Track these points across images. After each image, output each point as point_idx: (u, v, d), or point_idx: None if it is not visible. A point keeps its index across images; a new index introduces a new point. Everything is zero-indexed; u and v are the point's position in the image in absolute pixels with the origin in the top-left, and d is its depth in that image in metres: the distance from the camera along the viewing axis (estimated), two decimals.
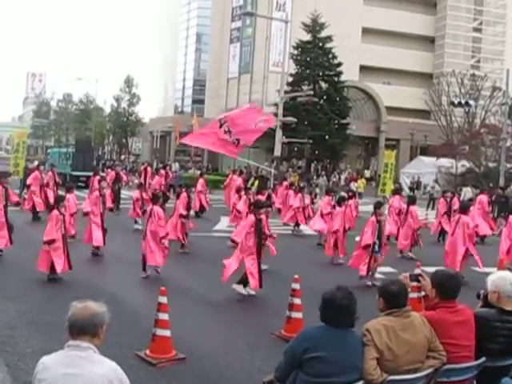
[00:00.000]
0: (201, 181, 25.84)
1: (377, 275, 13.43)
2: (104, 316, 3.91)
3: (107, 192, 17.26)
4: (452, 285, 5.37)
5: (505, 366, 5.26)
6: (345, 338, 4.76)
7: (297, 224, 22.27)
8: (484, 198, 22.83)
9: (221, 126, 17.32)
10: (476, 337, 5.27)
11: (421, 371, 4.94)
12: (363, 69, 66.89)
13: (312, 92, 43.26)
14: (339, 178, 44.77)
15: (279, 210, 26.80)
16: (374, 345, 4.81)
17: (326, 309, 4.81)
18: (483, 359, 5.18)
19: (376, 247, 13.28)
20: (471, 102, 43.63)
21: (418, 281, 5.65)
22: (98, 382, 3.67)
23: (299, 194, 22.88)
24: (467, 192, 31.01)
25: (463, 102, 40.72)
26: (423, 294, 5.71)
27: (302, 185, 27.36)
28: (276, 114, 35.66)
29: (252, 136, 17.98)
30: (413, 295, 8.28)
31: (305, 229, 21.97)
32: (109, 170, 29.18)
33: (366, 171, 51.00)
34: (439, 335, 5.09)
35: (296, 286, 8.98)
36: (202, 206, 25.12)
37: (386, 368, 4.79)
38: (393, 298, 5.03)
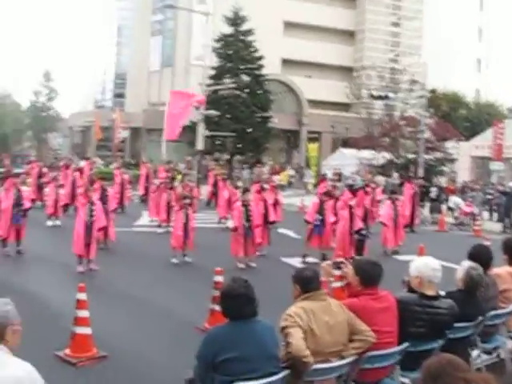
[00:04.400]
0: (117, 173, 25.58)
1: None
2: (7, 316, 3.63)
3: (31, 188, 16.79)
4: (374, 272, 5.39)
5: (426, 350, 5.30)
6: (253, 329, 4.67)
7: (224, 217, 22.20)
8: (411, 187, 23.72)
9: None
10: (398, 321, 5.30)
11: (347, 356, 4.93)
12: (285, 62, 67.13)
13: (234, 85, 43.16)
14: (262, 172, 44.74)
15: (208, 203, 27.97)
16: (299, 326, 4.77)
17: (226, 301, 4.74)
18: (406, 344, 5.22)
19: None
20: (391, 95, 44.36)
21: (341, 268, 5.64)
22: None
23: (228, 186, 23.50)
24: (379, 181, 31.37)
25: (383, 94, 41.42)
26: (346, 282, 5.70)
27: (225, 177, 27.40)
28: (198, 108, 35.52)
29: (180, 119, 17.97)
30: (336, 284, 8.41)
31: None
32: (30, 166, 28.39)
33: (289, 169, 51.34)
34: (363, 322, 5.08)
35: (218, 278, 8.89)
36: (121, 200, 24.67)
37: (310, 350, 4.75)
38: (308, 283, 5.04)
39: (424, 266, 5.60)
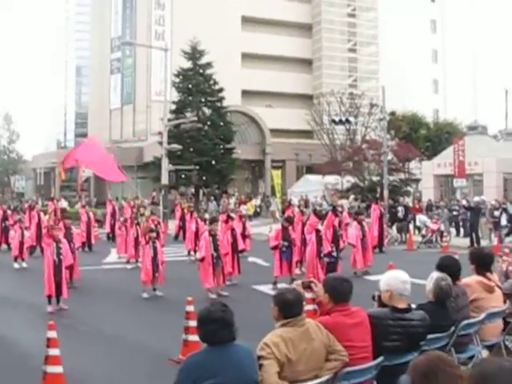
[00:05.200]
0: (82, 212, 25.44)
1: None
2: None
3: None
4: (344, 288, 5.38)
5: (402, 363, 5.28)
6: (232, 354, 4.54)
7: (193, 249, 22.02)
8: (377, 208, 24.12)
9: None
10: (372, 336, 5.29)
11: (321, 375, 4.89)
12: (245, 93, 67.60)
13: (196, 118, 43.20)
14: (228, 203, 44.88)
15: (176, 237, 28.06)
16: (275, 358, 4.70)
17: (203, 326, 4.62)
18: (381, 359, 5.20)
19: None
20: (351, 119, 45.08)
21: (311, 287, 5.63)
22: None
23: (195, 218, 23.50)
24: (344, 204, 31.54)
25: (344, 119, 41.87)
26: (317, 301, 5.68)
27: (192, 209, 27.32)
28: (161, 143, 35.52)
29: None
30: (308, 307, 8.37)
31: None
32: None
33: (255, 199, 51.40)
34: (337, 339, 5.07)
35: (190, 308, 8.80)
36: (89, 239, 24.47)
37: (286, 379, 4.70)
38: (288, 307, 4.96)
39: (394, 279, 5.62)
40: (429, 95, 73.89)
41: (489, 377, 2.55)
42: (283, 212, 25.49)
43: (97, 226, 29.19)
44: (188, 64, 49.55)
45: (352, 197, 36.99)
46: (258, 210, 49.51)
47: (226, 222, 16.76)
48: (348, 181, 46.23)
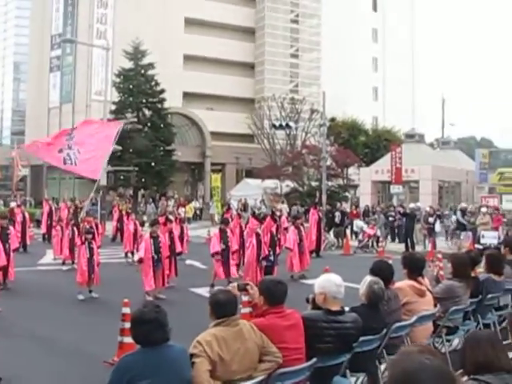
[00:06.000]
0: (18, 212, 24.76)
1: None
2: None
3: None
4: (279, 290, 5.47)
5: (335, 364, 5.40)
6: (166, 355, 4.57)
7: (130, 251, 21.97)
8: (315, 213, 24.28)
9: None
10: (305, 338, 5.38)
11: (255, 376, 4.95)
12: (186, 95, 67.25)
13: (136, 119, 42.89)
14: (167, 205, 44.51)
15: (113, 239, 27.98)
16: (207, 356, 4.74)
17: (137, 327, 4.62)
18: (314, 360, 5.29)
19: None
20: (291, 124, 45.19)
21: (246, 290, 5.69)
22: None
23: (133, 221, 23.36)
24: (284, 208, 31.77)
25: (284, 124, 42.10)
26: (253, 303, 5.74)
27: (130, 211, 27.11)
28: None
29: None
30: (244, 310, 8.41)
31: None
32: None
33: (194, 202, 51.11)
34: (271, 341, 5.13)
35: (126, 310, 8.72)
36: (23, 240, 23.68)
37: (219, 378, 4.74)
38: (220, 307, 5.04)
39: (327, 281, 5.73)
40: (369, 102, 75.01)
41: (410, 375, 2.57)
42: (223, 215, 25.17)
43: (32, 226, 28.65)
44: (129, 64, 48.92)
45: (285, 205, 36.42)
46: (199, 212, 49.37)
47: (165, 224, 16.65)
48: (287, 185, 46.52)
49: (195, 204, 50.78)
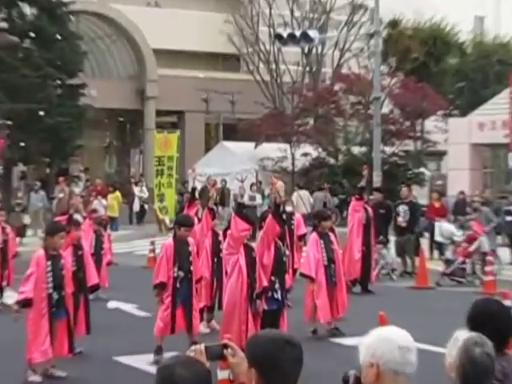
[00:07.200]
0: None
1: None
2: None
3: None
4: (287, 358, 2.93)
5: None
6: None
7: None
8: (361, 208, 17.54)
9: None
10: None
11: None
12: None
13: (6, 26, 27.87)
14: (71, 194, 25.21)
15: None
16: None
17: None
18: None
19: None
20: (312, 34, 28.82)
21: (224, 357, 3.06)
22: None
23: None
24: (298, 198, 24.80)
25: (298, 34, 26.28)
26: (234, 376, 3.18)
27: None
28: None
29: None
30: (222, 375, 5.85)
31: None
32: None
33: (135, 187, 31.68)
34: None
35: None
36: None
37: None
38: None
39: (384, 342, 3.19)
40: None
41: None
42: (181, 211, 17.06)
43: None
44: None
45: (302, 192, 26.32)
46: (137, 208, 31.35)
47: (68, 231, 10.26)
48: (305, 154, 31.35)
49: (136, 191, 31.30)
